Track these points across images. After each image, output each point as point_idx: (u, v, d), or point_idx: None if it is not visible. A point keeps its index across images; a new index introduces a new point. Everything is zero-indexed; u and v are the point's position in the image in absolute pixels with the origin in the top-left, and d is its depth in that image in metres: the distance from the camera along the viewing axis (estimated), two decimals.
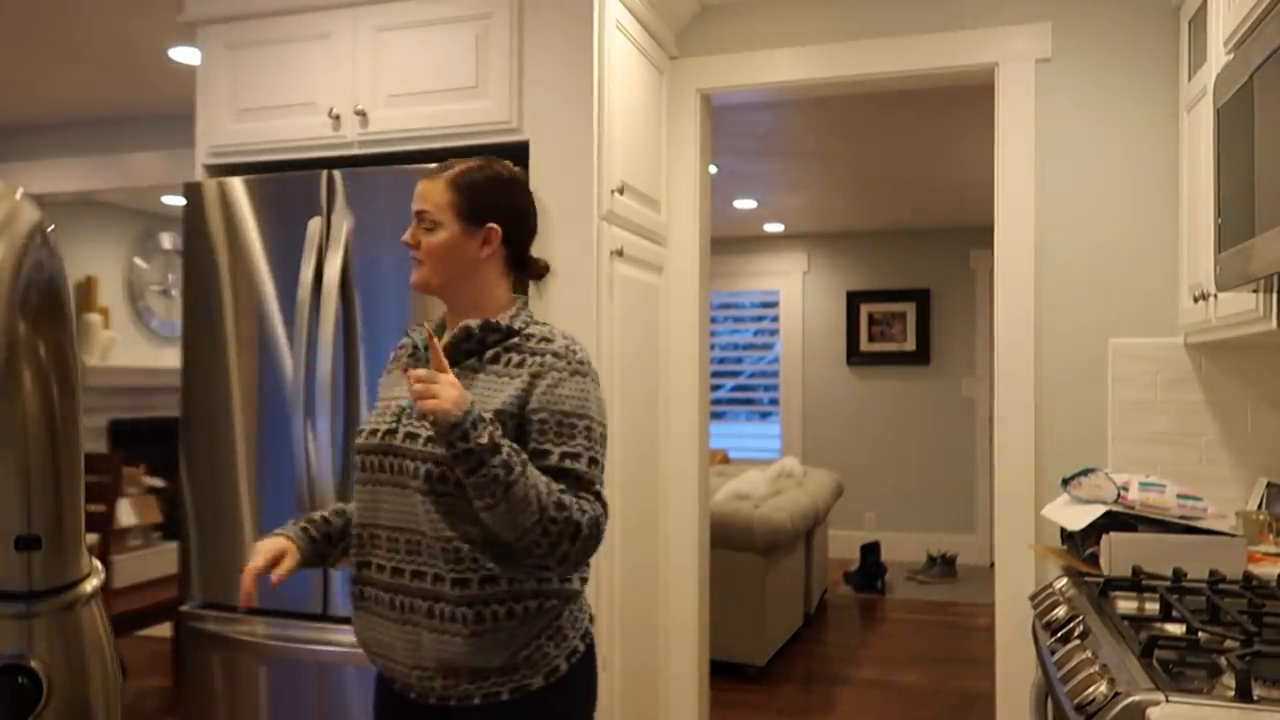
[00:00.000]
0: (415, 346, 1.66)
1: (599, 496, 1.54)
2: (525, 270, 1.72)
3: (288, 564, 1.56)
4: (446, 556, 1.50)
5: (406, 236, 1.62)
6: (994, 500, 2.92)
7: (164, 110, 4.44)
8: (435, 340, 1.44)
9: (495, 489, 1.40)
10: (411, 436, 1.55)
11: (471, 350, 1.60)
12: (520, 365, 1.56)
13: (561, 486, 1.49)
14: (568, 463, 1.51)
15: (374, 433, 1.61)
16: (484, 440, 1.40)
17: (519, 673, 1.53)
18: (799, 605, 5.13)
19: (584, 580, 1.65)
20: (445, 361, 1.45)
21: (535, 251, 2.52)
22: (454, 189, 1.61)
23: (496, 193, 1.64)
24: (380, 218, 2.55)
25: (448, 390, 1.40)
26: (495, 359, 1.59)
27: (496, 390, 1.55)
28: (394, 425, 1.59)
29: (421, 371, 1.41)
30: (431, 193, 1.61)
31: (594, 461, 1.55)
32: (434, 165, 1.57)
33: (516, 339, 1.61)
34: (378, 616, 1.57)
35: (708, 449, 3.28)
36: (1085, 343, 2.82)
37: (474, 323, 1.60)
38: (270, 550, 1.56)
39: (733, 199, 6.36)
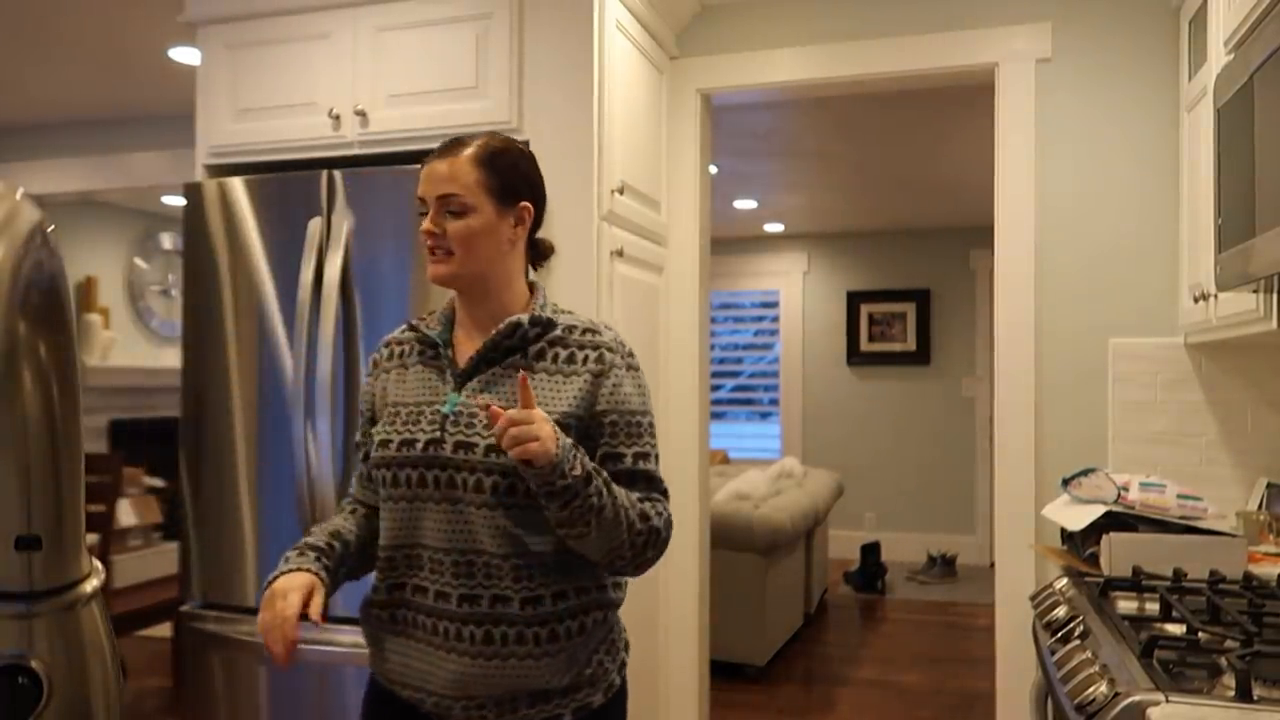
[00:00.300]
0: (434, 345, 1.52)
1: (666, 494, 1.49)
2: (535, 252, 1.60)
3: (319, 600, 1.37)
4: (516, 574, 1.39)
5: (428, 224, 1.45)
6: (994, 500, 2.92)
7: (164, 110, 4.44)
8: (525, 378, 1.31)
9: (589, 517, 1.33)
10: (466, 446, 1.41)
11: (514, 347, 1.48)
12: (572, 361, 1.46)
13: (639, 495, 1.43)
14: (641, 464, 1.45)
15: (411, 443, 1.45)
16: (578, 472, 1.31)
17: (581, 691, 1.45)
18: (799, 605, 5.13)
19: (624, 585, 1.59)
20: (533, 396, 1.34)
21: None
22: (482, 166, 1.46)
23: (523, 166, 1.52)
24: (380, 218, 2.55)
25: (545, 428, 1.29)
26: (541, 355, 1.47)
27: (556, 392, 1.44)
28: (437, 434, 1.44)
29: (516, 413, 1.28)
30: (458, 172, 1.45)
31: (658, 458, 1.50)
32: (437, 146, 1.49)
33: (558, 331, 1.49)
34: (417, 642, 1.43)
35: (708, 449, 3.28)
36: (1085, 343, 2.82)
37: (523, 317, 1.47)
38: (302, 589, 1.37)
39: (733, 199, 6.36)
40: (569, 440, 1.33)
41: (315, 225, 2.59)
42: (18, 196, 0.48)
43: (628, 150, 2.73)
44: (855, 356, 7.63)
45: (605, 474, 1.37)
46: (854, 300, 7.66)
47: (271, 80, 2.78)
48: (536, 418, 1.28)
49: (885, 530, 7.53)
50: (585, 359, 1.46)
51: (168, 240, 6.77)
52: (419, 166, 2.50)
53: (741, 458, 8.05)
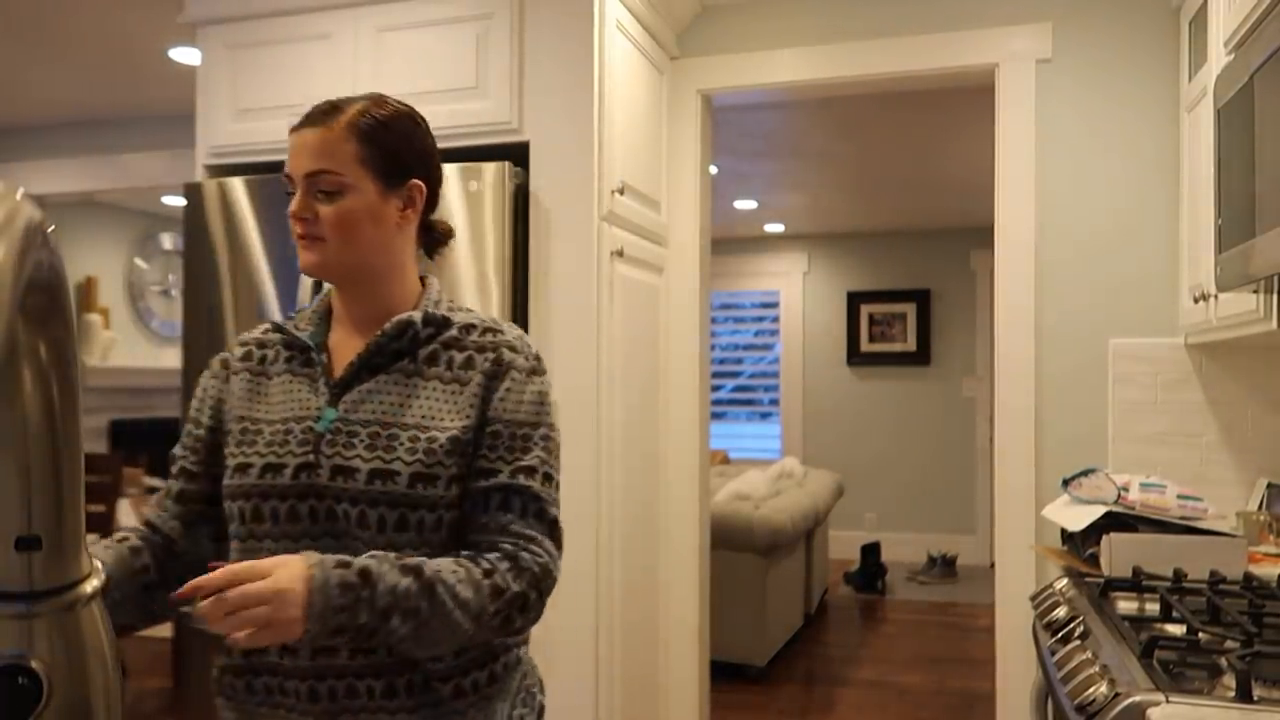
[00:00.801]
0: (305, 349, 1.27)
1: (553, 526, 1.22)
2: (429, 237, 1.35)
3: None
4: None
5: (295, 207, 1.21)
6: (994, 501, 2.92)
7: (164, 111, 4.44)
8: (215, 572, 1.01)
9: (405, 644, 1.10)
10: (345, 472, 1.16)
11: (402, 350, 1.24)
12: (469, 366, 1.23)
13: (490, 560, 1.15)
14: (520, 478, 1.20)
15: (277, 469, 1.18)
16: (363, 619, 1.05)
17: None
18: (799, 606, 5.13)
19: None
20: (238, 569, 1.02)
21: (533, 251, 2.55)
22: (360, 137, 1.21)
23: (411, 137, 1.26)
24: None
25: (278, 590, 1.00)
26: (434, 360, 1.24)
27: (448, 404, 1.21)
28: (310, 457, 1.18)
29: (222, 575, 1.00)
30: (329, 144, 1.20)
31: (549, 478, 1.23)
32: (307, 111, 1.25)
33: (454, 331, 1.26)
34: (288, 712, 1.17)
35: (708, 449, 3.28)
36: (1085, 343, 2.82)
37: (415, 315, 1.24)
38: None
39: (733, 199, 6.36)
40: (331, 577, 1.05)
41: None
42: (18, 197, 0.48)
43: (628, 150, 2.73)
44: (855, 357, 7.63)
45: (430, 573, 1.10)
46: (854, 301, 7.66)
47: (272, 80, 2.78)
48: (256, 580, 1.00)
49: (885, 531, 7.53)
50: (481, 362, 1.24)
51: (168, 240, 6.77)
52: None
53: (742, 458, 8.05)
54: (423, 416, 1.20)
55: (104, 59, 3.76)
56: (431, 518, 1.18)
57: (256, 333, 1.35)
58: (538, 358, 1.28)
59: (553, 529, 1.22)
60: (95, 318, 5.99)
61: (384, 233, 1.24)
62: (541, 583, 1.18)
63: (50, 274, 0.50)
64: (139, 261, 6.58)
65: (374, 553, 1.11)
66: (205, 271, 2.72)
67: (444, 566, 1.12)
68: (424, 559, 1.13)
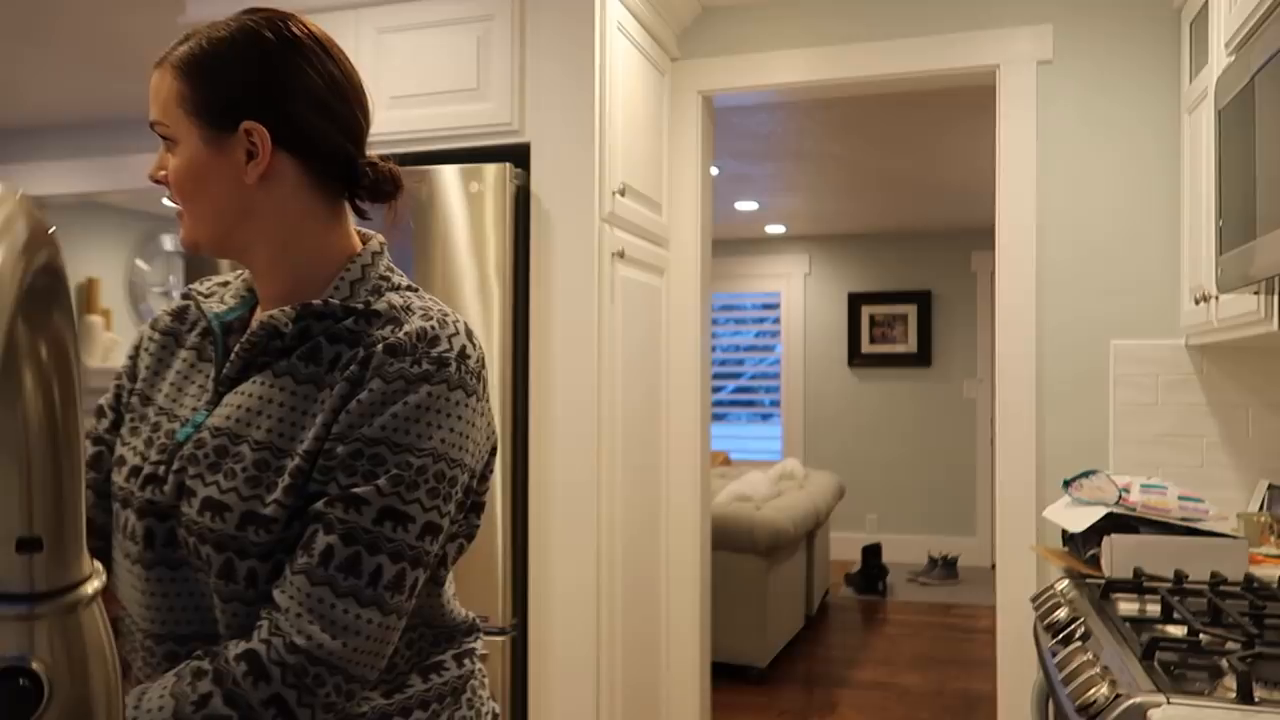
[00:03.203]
0: (209, 328, 1.03)
1: (373, 584, 0.88)
2: (356, 187, 1.05)
3: None
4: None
5: (152, 167, 0.99)
6: (995, 502, 2.92)
7: None
8: None
9: None
10: (186, 495, 0.94)
11: (285, 348, 0.99)
12: (334, 365, 0.97)
13: (222, 664, 0.86)
14: (337, 509, 0.89)
15: (136, 474, 0.98)
16: None
17: None
18: (800, 607, 5.13)
19: (478, 636, 1.13)
20: None
21: (534, 253, 2.54)
22: (181, 72, 0.96)
23: (247, 62, 0.96)
24: (381, 219, 2.54)
25: None
26: (312, 356, 0.97)
27: (300, 414, 0.95)
28: (159, 468, 0.97)
29: None
30: (159, 87, 0.97)
31: (401, 520, 0.89)
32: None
33: (352, 320, 0.98)
34: None
35: (709, 451, 3.27)
36: (1086, 344, 2.82)
37: (285, 312, 0.97)
38: None
39: (734, 201, 6.36)
40: None
41: None
42: (19, 198, 0.48)
43: (629, 152, 2.74)
44: (856, 358, 7.63)
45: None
46: (855, 302, 7.66)
47: None
48: None
49: (886, 532, 7.52)
50: (349, 361, 0.95)
51: (169, 242, 6.77)
52: (420, 168, 2.52)
53: (743, 459, 8.05)
54: (270, 432, 0.94)
55: (106, 61, 3.77)
56: (264, 569, 0.91)
57: (177, 312, 1.11)
58: (440, 360, 0.94)
59: (372, 587, 0.88)
60: (96, 319, 6.00)
61: (229, 193, 0.97)
62: (302, 678, 0.86)
63: (51, 275, 0.50)
64: (140, 263, 6.58)
65: None
66: (206, 273, 2.72)
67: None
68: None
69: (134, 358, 1.09)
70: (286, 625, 0.87)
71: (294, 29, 0.99)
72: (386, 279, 1.04)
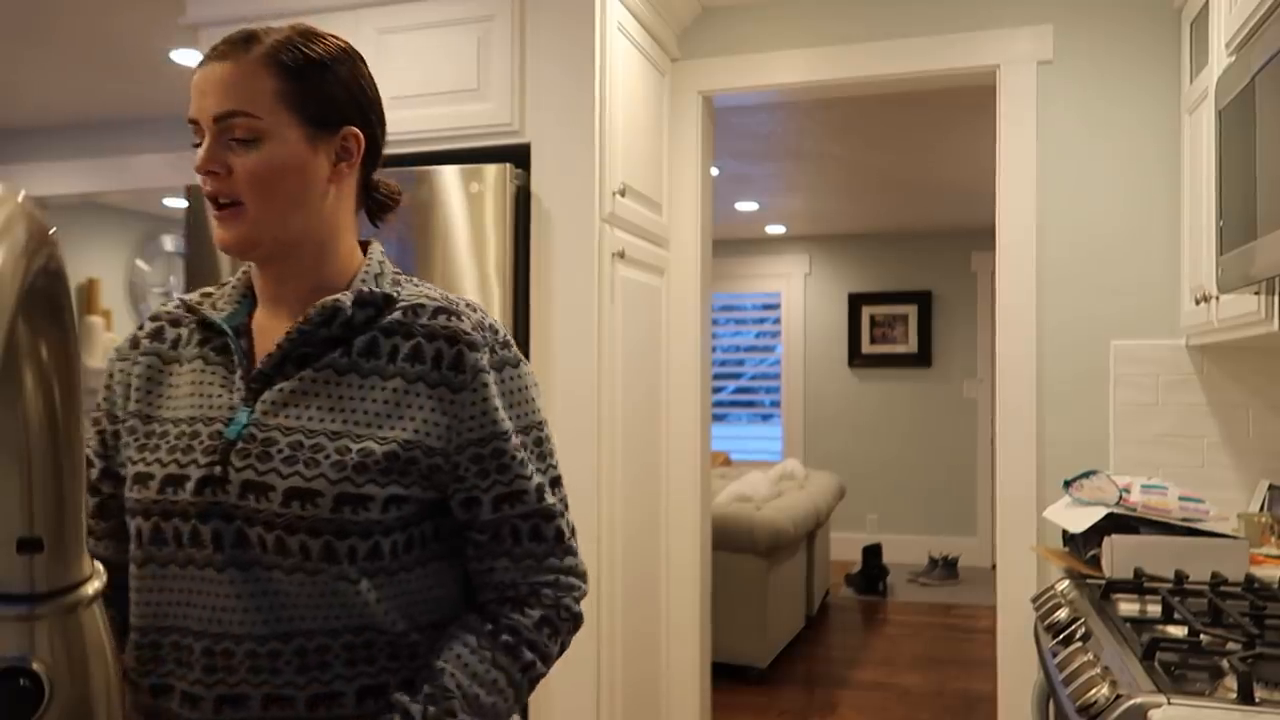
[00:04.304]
0: (222, 332, 1.05)
1: (574, 558, 1.08)
2: (372, 201, 1.14)
3: None
4: (354, 656, 0.98)
5: (203, 159, 0.98)
6: (995, 502, 2.92)
7: (166, 112, 4.44)
8: None
9: None
10: (257, 490, 0.96)
11: (336, 338, 1.03)
12: (416, 358, 1.01)
13: (526, 629, 1.03)
14: (547, 496, 1.05)
15: (178, 482, 0.99)
16: None
17: None
18: (800, 607, 5.13)
19: None
20: None
21: (535, 253, 2.55)
22: (281, 71, 0.99)
23: (348, 75, 1.04)
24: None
25: None
26: (373, 349, 1.02)
27: (389, 408, 1.00)
28: (217, 469, 0.98)
29: None
30: (243, 80, 0.98)
31: (557, 484, 1.08)
32: (223, 46, 1.02)
33: (398, 313, 1.04)
34: None
35: (709, 451, 3.27)
36: (1087, 344, 2.82)
37: (345, 297, 1.02)
38: None
39: (734, 201, 6.36)
40: None
41: None
42: (19, 199, 0.48)
43: (629, 152, 2.74)
44: (857, 359, 7.63)
45: (453, 684, 0.97)
46: (855, 302, 7.66)
47: None
48: None
49: (887, 532, 7.52)
50: (438, 357, 1.02)
51: (169, 242, 6.78)
52: (421, 169, 2.52)
53: (743, 460, 8.05)
54: (355, 423, 0.99)
55: (106, 61, 3.77)
56: (365, 545, 0.97)
57: (169, 307, 1.12)
58: (505, 343, 1.07)
59: (574, 565, 1.09)
60: (97, 319, 6.00)
61: (314, 192, 1.02)
62: (566, 637, 1.08)
63: (52, 276, 0.50)
64: (140, 263, 6.58)
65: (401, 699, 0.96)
66: (207, 273, 2.72)
67: (472, 678, 0.99)
68: (446, 679, 0.97)
69: (109, 391, 1.10)
70: (551, 592, 1.05)
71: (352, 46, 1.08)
72: (397, 273, 1.11)
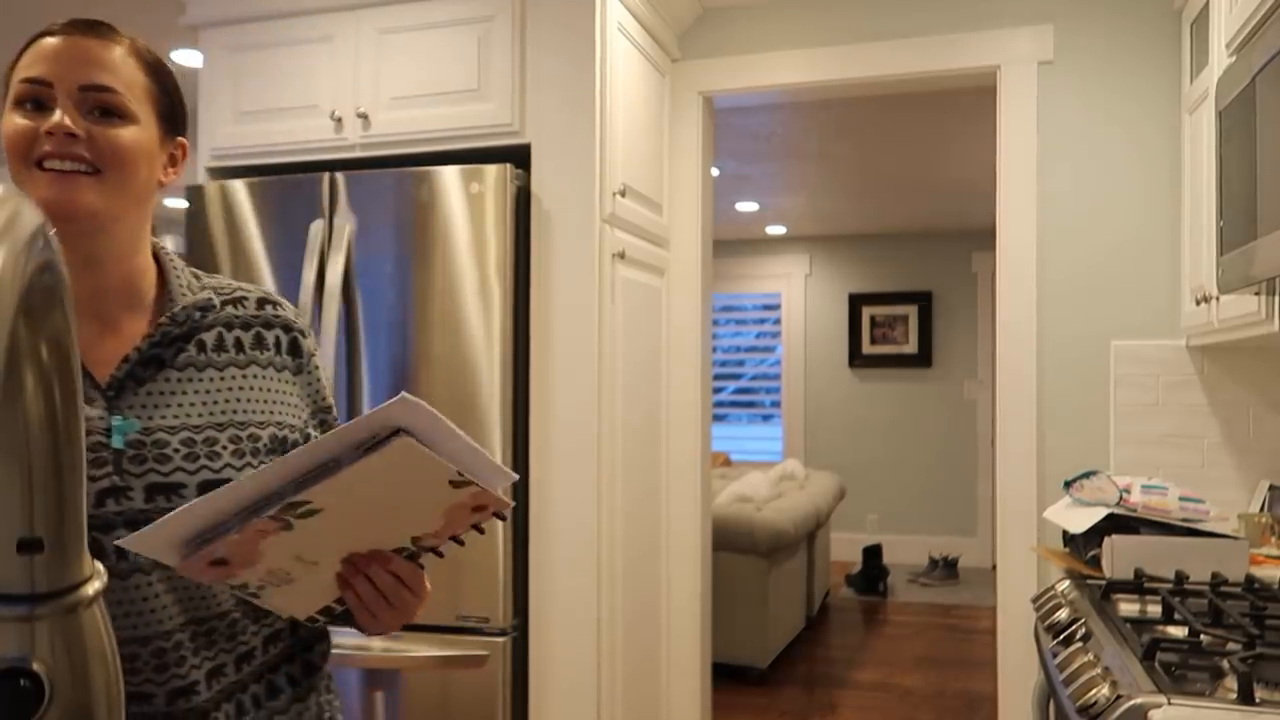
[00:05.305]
0: None
1: None
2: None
3: None
4: (217, 636, 1.03)
5: (62, 120, 0.97)
6: (996, 503, 2.92)
7: None
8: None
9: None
10: (167, 490, 1.00)
11: (185, 335, 1.07)
12: (259, 345, 1.11)
13: None
14: None
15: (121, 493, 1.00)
16: None
17: None
18: (801, 608, 5.12)
19: None
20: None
21: (535, 253, 2.55)
22: (145, 68, 1.05)
23: (178, 91, 1.11)
24: (383, 220, 2.55)
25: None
26: (220, 343, 1.09)
27: (253, 395, 1.08)
28: (113, 479, 0.98)
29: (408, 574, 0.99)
30: (118, 64, 1.02)
31: None
32: (64, 22, 1.06)
33: (230, 306, 1.12)
34: None
35: (709, 451, 3.28)
36: (1087, 345, 2.82)
37: (210, 295, 1.10)
38: None
39: (734, 201, 6.36)
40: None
41: (317, 228, 2.59)
42: (19, 199, 0.48)
43: (629, 152, 2.74)
44: (857, 359, 7.63)
45: None
46: (856, 303, 7.66)
47: (273, 83, 2.78)
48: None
49: (887, 533, 7.52)
50: (278, 344, 1.13)
51: (169, 242, 6.76)
52: (421, 169, 2.52)
53: (743, 460, 8.05)
54: (234, 412, 1.05)
55: None
56: None
57: None
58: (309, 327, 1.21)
59: None
60: None
61: (150, 188, 1.06)
62: None
63: (52, 276, 0.50)
64: None
65: None
66: (207, 273, 2.72)
67: None
68: None
69: None
70: None
71: None
72: (193, 270, 1.16)
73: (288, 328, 1.14)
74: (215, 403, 1.05)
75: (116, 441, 0.98)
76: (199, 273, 1.15)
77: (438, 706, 2.46)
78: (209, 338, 1.08)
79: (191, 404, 1.03)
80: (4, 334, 0.43)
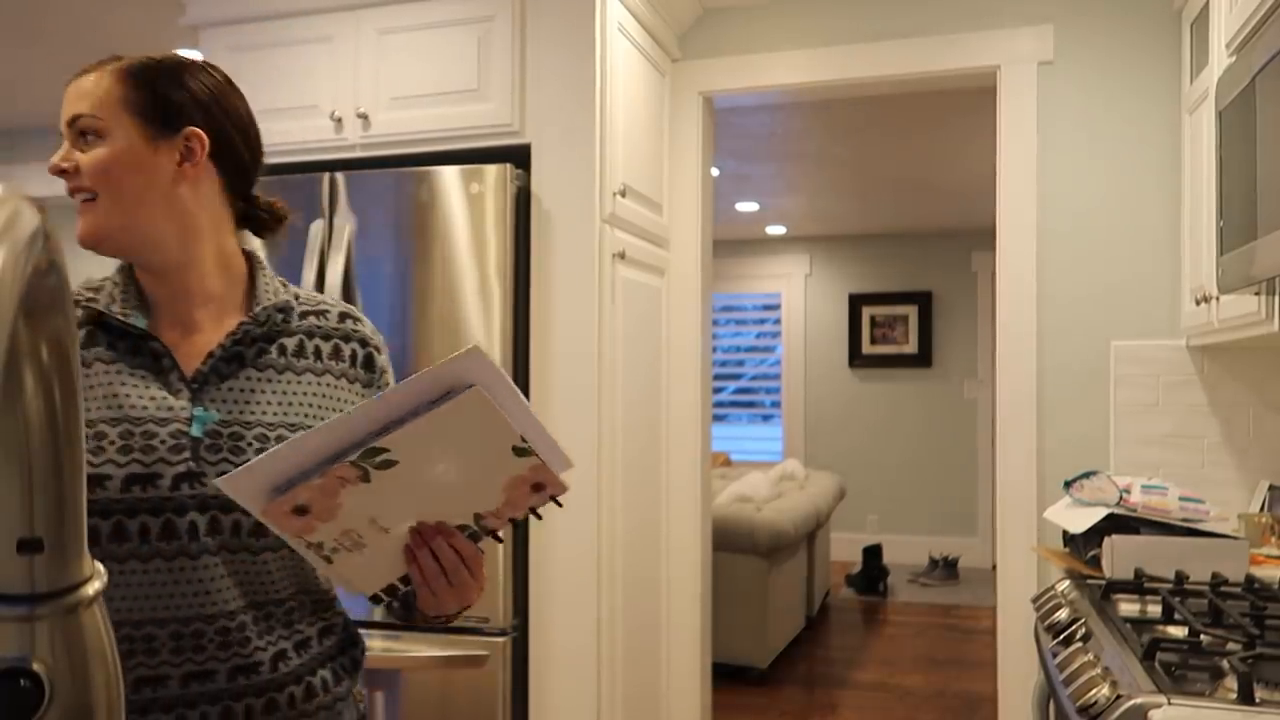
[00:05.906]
0: (143, 337, 1.10)
1: None
2: (253, 218, 1.24)
3: None
4: (316, 609, 1.15)
5: (57, 158, 1.07)
6: (996, 503, 2.92)
7: None
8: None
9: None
10: (197, 479, 1.05)
11: (268, 336, 1.15)
12: (336, 357, 1.18)
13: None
14: None
15: (146, 481, 1.04)
16: None
17: None
18: (801, 608, 5.12)
19: None
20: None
21: (535, 254, 2.55)
22: (126, 79, 1.08)
23: (192, 82, 1.11)
24: (383, 220, 2.55)
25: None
26: (301, 350, 1.16)
27: (328, 402, 1.15)
28: (189, 464, 1.05)
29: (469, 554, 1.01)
30: (93, 87, 1.07)
31: None
32: (91, 64, 1.12)
33: (312, 317, 1.19)
34: None
35: (710, 452, 3.27)
36: (1087, 345, 2.82)
37: (288, 296, 1.19)
38: None
39: (735, 201, 6.36)
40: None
41: (317, 228, 2.59)
42: (20, 199, 0.48)
43: (629, 152, 2.74)
44: (857, 359, 7.63)
45: None
46: (856, 303, 7.66)
47: (273, 83, 2.78)
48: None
49: (887, 533, 7.52)
50: (354, 357, 1.19)
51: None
52: (421, 169, 2.52)
53: (743, 460, 8.05)
54: (304, 415, 1.12)
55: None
56: None
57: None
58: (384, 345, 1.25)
59: None
60: None
61: (157, 190, 1.08)
62: None
63: (52, 276, 0.50)
64: None
65: None
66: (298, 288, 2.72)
67: None
68: None
69: None
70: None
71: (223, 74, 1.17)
72: (281, 280, 1.24)
73: (364, 343, 1.20)
74: (290, 404, 1.12)
75: (195, 430, 1.06)
76: (286, 282, 1.23)
77: (438, 706, 2.46)
78: (290, 343, 1.15)
79: (269, 403, 1.11)
80: (4, 334, 0.43)
